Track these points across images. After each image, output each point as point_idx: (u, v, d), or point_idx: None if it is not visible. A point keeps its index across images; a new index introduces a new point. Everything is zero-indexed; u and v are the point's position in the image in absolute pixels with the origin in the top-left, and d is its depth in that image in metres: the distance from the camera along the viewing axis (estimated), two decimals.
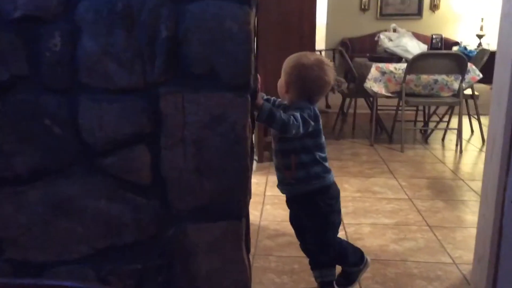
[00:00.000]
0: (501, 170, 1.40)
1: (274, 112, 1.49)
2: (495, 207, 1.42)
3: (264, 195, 2.85)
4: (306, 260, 1.97)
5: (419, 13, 8.00)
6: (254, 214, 2.51)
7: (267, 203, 2.72)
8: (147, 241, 1.41)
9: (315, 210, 1.68)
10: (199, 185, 1.35)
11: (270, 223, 2.45)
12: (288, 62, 1.65)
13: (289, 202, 1.77)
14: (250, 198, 1.41)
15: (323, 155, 1.66)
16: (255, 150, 3.29)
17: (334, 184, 1.69)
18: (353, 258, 1.76)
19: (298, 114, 1.53)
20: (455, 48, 7.17)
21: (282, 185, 1.72)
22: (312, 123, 1.57)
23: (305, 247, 1.79)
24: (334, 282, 1.76)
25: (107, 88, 1.30)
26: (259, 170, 3.25)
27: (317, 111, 1.61)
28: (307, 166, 1.63)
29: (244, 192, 1.37)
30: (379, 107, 4.28)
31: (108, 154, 1.35)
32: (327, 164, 1.67)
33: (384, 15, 8.01)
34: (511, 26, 1.36)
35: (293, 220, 1.79)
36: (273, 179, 3.12)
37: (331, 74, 1.63)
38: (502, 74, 1.40)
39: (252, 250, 1.72)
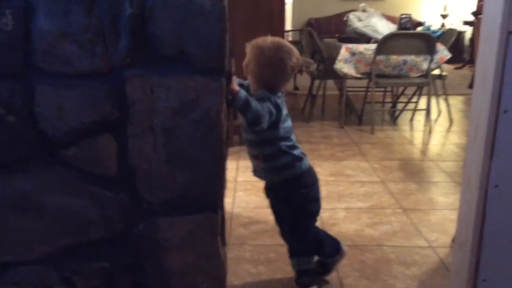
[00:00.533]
0: (485, 154, 1.35)
1: (249, 101, 1.41)
2: (478, 192, 1.38)
3: (236, 181, 2.77)
4: (282, 249, 1.91)
5: None
6: (226, 201, 2.41)
7: (239, 189, 2.64)
8: (115, 238, 1.31)
9: (287, 199, 1.63)
10: (171, 176, 1.26)
11: (243, 211, 2.38)
12: (247, 44, 1.58)
13: (265, 189, 1.71)
14: (225, 188, 1.33)
15: (289, 143, 1.58)
16: None
17: (308, 172, 1.62)
18: (329, 249, 1.71)
19: (266, 105, 1.46)
20: (419, 29, 7.23)
21: (256, 173, 1.67)
22: (274, 115, 1.50)
23: (283, 234, 1.74)
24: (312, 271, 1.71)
25: (66, 73, 1.18)
26: (230, 155, 3.15)
27: (277, 101, 1.53)
28: (273, 158, 1.58)
29: (219, 183, 1.28)
30: (347, 89, 4.24)
31: (69, 145, 1.24)
32: (296, 151, 1.59)
33: None
34: (496, 3, 1.30)
35: (272, 206, 1.73)
36: (245, 164, 3.06)
37: (289, 57, 1.53)
38: (487, 53, 1.35)
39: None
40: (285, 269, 1.80)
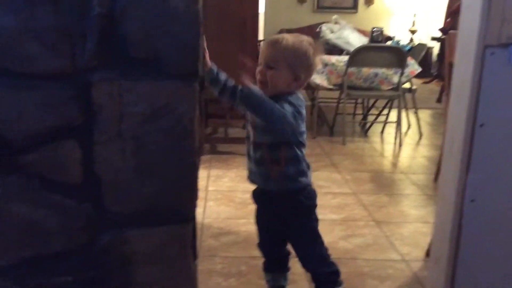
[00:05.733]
0: (461, 168, 1.34)
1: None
2: (454, 207, 1.37)
3: (207, 190, 2.70)
4: (253, 261, 1.86)
5: (354, 7, 8.15)
6: (196, 211, 2.36)
7: (209, 199, 2.58)
8: (78, 250, 1.23)
9: (298, 207, 1.56)
10: (139, 185, 1.19)
11: (214, 221, 2.31)
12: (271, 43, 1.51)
13: (259, 198, 1.62)
14: (197, 199, 1.27)
15: (304, 151, 1.56)
16: None
17: (311, 183, 1.61)
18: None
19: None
20: (388, 43, 7.38)
21: (264, 181, 1.55)
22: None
23: (271, 249, 1.67)
24: None
25: (27, 73, 1.10)
26: (201, 164, 3.10)
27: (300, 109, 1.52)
28: (297, 162, 1.51)
29: (191, 193, 1.22)
30: (319, 100, 4.24)
31: (29, 150, 1.15)
32: (307, 160, 1.58)
33: (321, 8, 8.08)
34: (473, 18, 1.30)
35: (262, 217, 1.65)
36: (216, 173, 3.00)
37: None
38: (463, 67, 1.34)
39: None
40: (257, 283, 1.75)
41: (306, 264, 1.60)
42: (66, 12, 1.07)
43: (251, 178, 1.58)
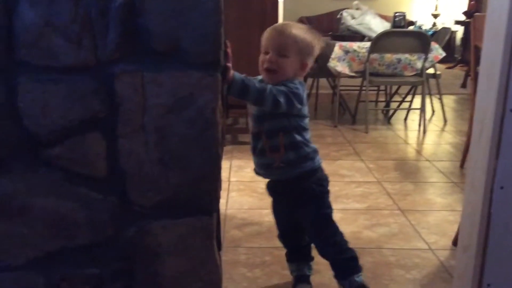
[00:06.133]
0: (491, 154, 1.30)
1: (247, 82, 1.35)
2: (483, 194, 1.33)
3: (229, 181, 2.70)
4: (277, 251, 1.86)
5: None
6: (220, 202, 2.36)
7: (232, 189, 2.58)
8: (104, 242, 1.24)
9: (308, 194, 1.53)
10: (163, 177, 1.19)
11: (237, 212, 2.31)
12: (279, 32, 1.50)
13: (272, 189, 1.61)
14: (220, 190, 1.27)
15: (309, 136, 1.53)
16: None
17: (322, 168, 1.57)
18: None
19: (279, 88, 1.42)
20: (411, 28, 7.23)
21: (267, 171, 1.55)
22: (293, 98, 1.45)
23: (291, 239, 1.67)
24: (310, 278, 1.65)
25: (51, 66, 1.11)
26: (223, 155, 3.10)
27: (300, 91, 1.49)
28: (298, 147, 1.49)
29: (214, 184, 1.22)
30: (340, 87, 4.19)
31: (55, 144, 1.16)
32: (313, 145, 1.54)
33: None
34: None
35: (277, 208, 1.65)
36: (237, 163, 3.00)
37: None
38: (492, 50, 1.30)
39: None
40: (281, 273, 1.74)
41: (321, 251, 1.59)
42: (88, 4, 1.07)
43: (256, 171, 1.59)
